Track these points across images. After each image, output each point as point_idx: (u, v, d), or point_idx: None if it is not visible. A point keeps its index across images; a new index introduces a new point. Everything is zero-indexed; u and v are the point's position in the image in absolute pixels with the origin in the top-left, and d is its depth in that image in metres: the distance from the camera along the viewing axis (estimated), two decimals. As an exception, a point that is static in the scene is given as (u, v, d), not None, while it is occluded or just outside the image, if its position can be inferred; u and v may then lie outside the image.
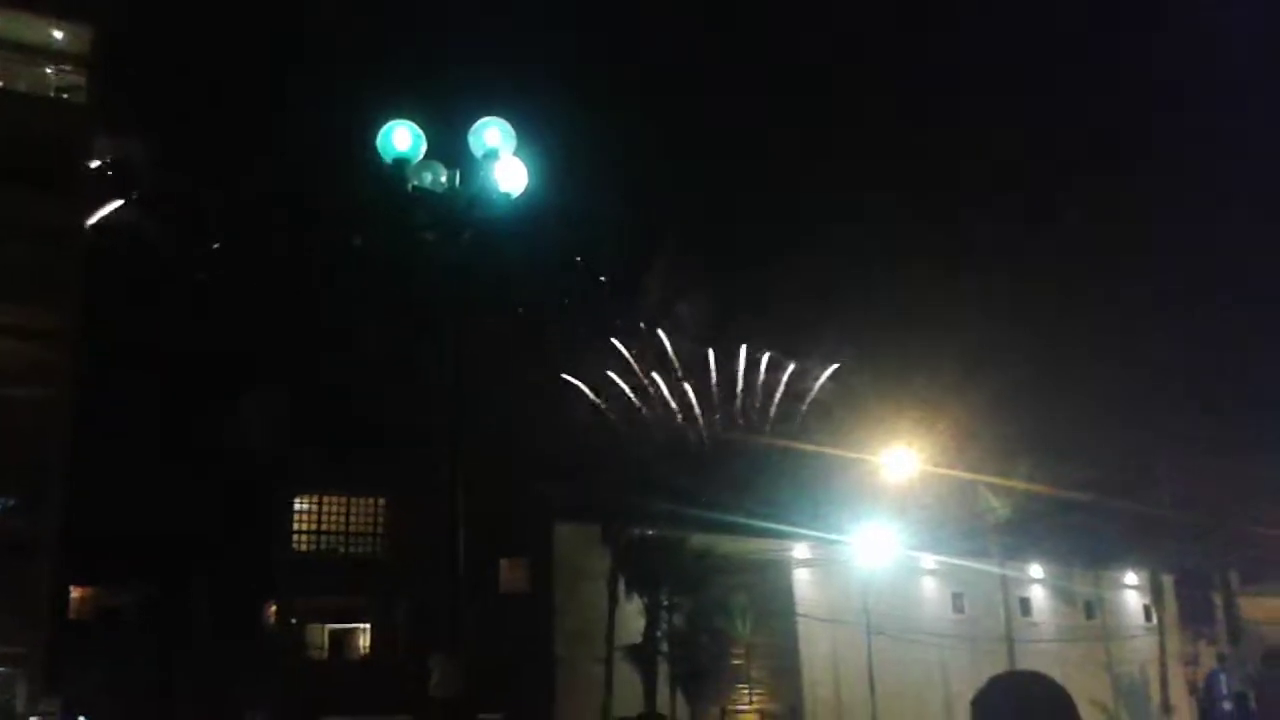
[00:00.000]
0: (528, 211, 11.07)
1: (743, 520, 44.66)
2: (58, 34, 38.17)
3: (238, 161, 45.39)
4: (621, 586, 42.19)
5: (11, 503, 34.42)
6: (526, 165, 10.57)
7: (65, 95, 38.15)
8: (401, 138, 10.38)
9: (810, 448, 52.62)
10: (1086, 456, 48.49)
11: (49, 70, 38.35)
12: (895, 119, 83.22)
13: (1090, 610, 57.20)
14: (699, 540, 42.92)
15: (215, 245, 42.52)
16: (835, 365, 56.17)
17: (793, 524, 46.74)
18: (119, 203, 41.97)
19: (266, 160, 45.58)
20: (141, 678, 33.47)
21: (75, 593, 37.11)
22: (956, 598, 52.92)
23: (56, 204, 35.51)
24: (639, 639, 41.48)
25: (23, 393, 34.80)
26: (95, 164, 39.01)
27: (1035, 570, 55.66)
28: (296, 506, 40.94)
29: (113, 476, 34.86)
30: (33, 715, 31.90)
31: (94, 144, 38.37)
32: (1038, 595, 56.06)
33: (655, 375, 47.43)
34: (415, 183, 10.42)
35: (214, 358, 39.64)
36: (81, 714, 31.58)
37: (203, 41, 45.92)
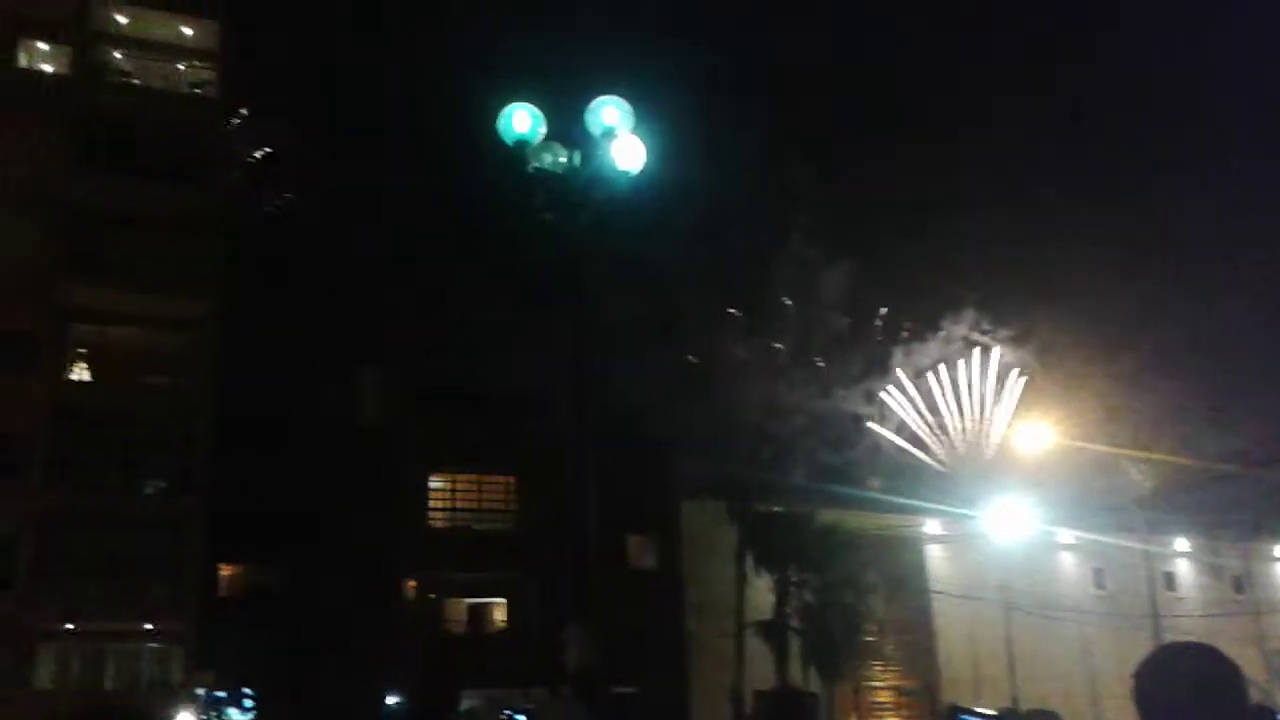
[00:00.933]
0: (651, 189, 11.03)
1: (874, 495, 44.09)
2: (188, 30, 39.54)
3: (361, 144, 46.48)
4: (750, 563, 42.11)
5: (162, 485, 36.02)
6: (646, 143, 10.52)
7: (198, 90, 39.55)
8: (521, 120, 10.43)
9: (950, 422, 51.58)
10: (1235, 426, 46.48)
11: (181, 66, 39.79)
12: (1029, 112, 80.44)
13: (1240, 585, 54.92)
14: (827, 516, 42.54)
15: (346, 224, 43.66)
16: (986, 334, 54.28)
17: (925, 499, 45.97)
18: (260, 192, 43.45)
19: (389, 141, 46.61)
20: (287, 651, 34.74)
21: (224, 570, 38.71)
22: (1098, 573, 51.39)
23: (195, 196, 36.91)
24: (769, 615, 41.38)
25: (168, 379, 36.40)
26: (231, 155, 40.33)
27: (1180, 544, 53.67)
28: (431, 484, 41.98)
29: (257, 456, 36.21)
30: (188, 689, 33.42)
31: (228, 135, 39.68)
32: (1183, 569, 54.06)
33: (789, 349, 46.96)
34: (535, 164, 10.48)
35: (350, 338, 40.80)
36: (234, 688, 32.90)
37: (323, 29, 47.05)
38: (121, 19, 38.59)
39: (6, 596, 32.32)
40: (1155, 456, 47.42)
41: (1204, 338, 54.79)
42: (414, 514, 40.73)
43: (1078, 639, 47.08)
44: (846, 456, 45.78)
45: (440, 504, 42.13)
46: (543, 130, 10.48)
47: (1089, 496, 48.48)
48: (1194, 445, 46.68)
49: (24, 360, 34.06)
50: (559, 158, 10.53)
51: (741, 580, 41.79)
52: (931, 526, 47.88)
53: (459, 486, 42.46)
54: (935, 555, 48.03)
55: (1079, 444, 46.95)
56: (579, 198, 10.47)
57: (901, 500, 45.08)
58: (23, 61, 37.48)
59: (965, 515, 46.28)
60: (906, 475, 47.44)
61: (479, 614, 42.69)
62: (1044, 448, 46.90)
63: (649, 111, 10.71)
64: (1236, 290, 58.25)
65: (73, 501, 33.20)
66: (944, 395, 53.02)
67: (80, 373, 36.28)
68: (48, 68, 37.98)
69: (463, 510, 42.41)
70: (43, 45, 37.78)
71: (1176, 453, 46.84)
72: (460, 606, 42.49)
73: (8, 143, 34.95)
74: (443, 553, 40.43)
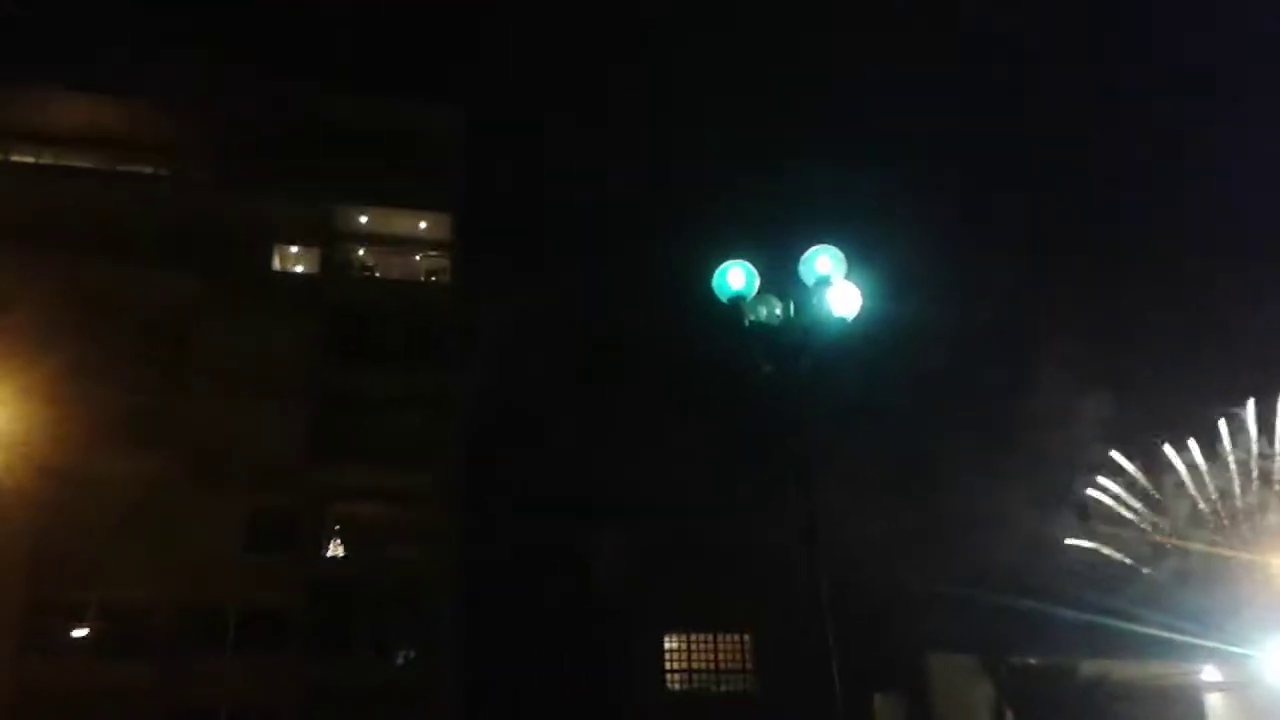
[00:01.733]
0: (872, 331, 10.96)
1: (1140, 635, 40.76)
2: (422, 224, 42.57)
3: (586, 310, 48.30)
4: (1009, 721, 39.42)
5: (411, 654, 37.03)
6: (861, 287, 10.52)
7: (434, 278, 42.27)
8: (736, 277, 10.66)
9: (1224, 551, 47.60)
10: None
11: (417, 257, 42.78)
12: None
13: None
14: (1091, 666, 39.54)
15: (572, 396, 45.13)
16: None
17: (1201, 639, 42.14)
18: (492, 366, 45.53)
19: (609, 304, 48.19)
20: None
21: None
22: None
23: (432, 375, 39.06)
24: (1035, 779, 38.40)
25: (412, 552, 37.83)
26: (466, 334, 42.49)
27: None
28: (666, 645, 41.66)
29: (500, 624, 36.97)
30: None
31: (461, 318, 41.96)
32: None
33: (1044, 487, 44.70)
34: (752, 317, 10.62)
35: (579, 500, 41.56)
36: None
37: (543, 207, 49.67)
38: (362, 219, 41.96)
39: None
40: None
41: None
42: (651, 677, 40.41)
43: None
44: (1110, 595, 42.68)
45: (677, 665, 41.67)
46: (757, 284, 10.65)
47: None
48: None
49: (285, 538, 36.25)
50: (774, 309, 10.64)
51: (1001, 740, 39.13)
52: (1209, 673, 43.68)
53: (694, 646, 41.95)
54: (1216, 705, 43.67)
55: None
56: (796, 348, 10.50)
57: (1173, 637, 41.37)
58: (277, 264, 41.18)
59: (1245, 655, 42.07)
60: (1177, 611, 43.68)
61: (723, 782, 41.45)
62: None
63: (868, 255, 10.73)
64: None
65: (330, 676, 34.52)
66: (1221, 522, 49.17)
67: (335, 548, 38.24)
68: (299, 268, 41.57)
69: (700, 671, 41.78)
70: (293, 249, 41.48)
71: None
72: (703, 774, 41.43)
73: (267, 338, 38.08)
74: (682, 716, 39.76)
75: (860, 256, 10.70)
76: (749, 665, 41.55)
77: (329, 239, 41.30)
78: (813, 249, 10.48)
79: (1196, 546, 48.09)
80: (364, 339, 39.27)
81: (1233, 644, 42.26)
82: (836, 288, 10.41)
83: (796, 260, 10.52)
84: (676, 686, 41.19)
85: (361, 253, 42.40)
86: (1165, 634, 40.81)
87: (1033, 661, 39.76)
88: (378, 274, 42.18)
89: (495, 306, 46.23)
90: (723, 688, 41.28)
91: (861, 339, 10.94)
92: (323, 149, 40.01)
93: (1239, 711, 43.18)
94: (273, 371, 37.27)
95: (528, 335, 47.36)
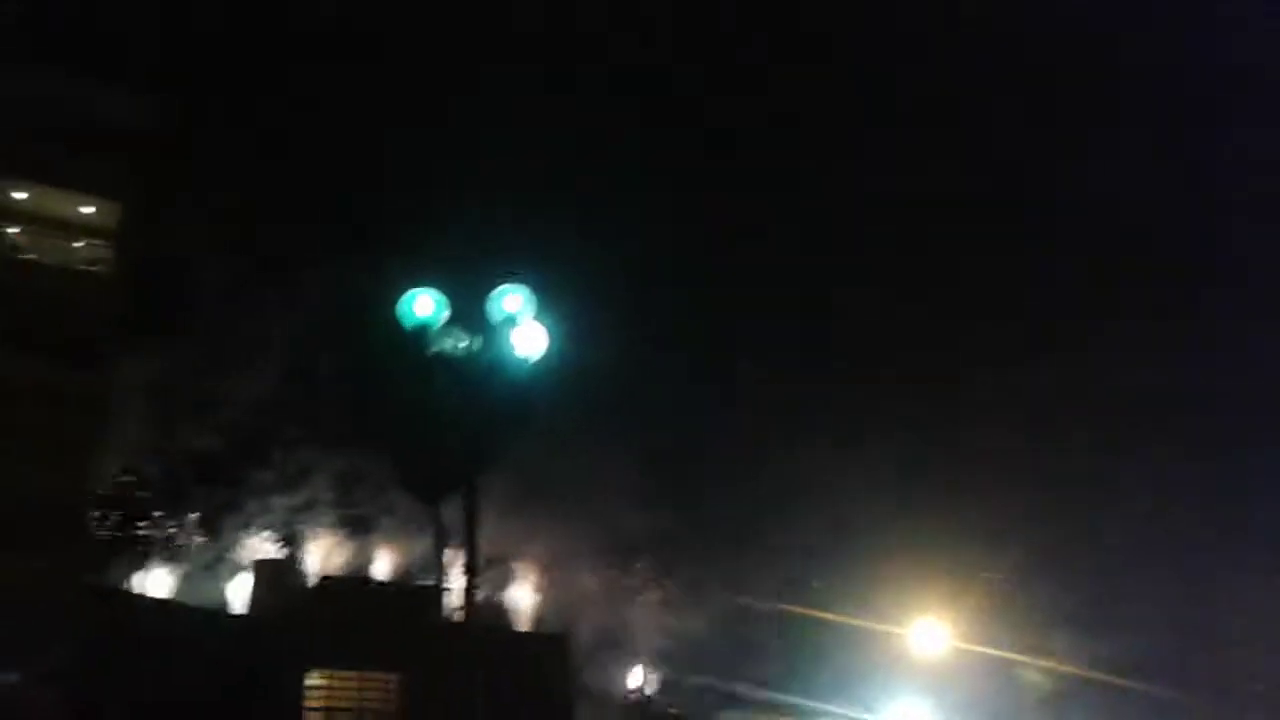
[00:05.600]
0: (559, 372, 10.89)
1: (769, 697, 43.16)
2: (87, 209, 39.20)
3: (263, 330, 46.23)
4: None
5: (15, 678, 33.52)
6: (548, 329, 10.48)
7: (94, 268, 38.96)
8: (424, 304, 10.35)
9: (835, 617, 51.12)
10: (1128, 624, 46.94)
11: (78, 244, 39.26)
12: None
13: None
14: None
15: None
16: None
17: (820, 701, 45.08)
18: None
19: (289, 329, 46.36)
20: None
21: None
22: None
23: (82, 370, 36.12)
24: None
25: (39, 563, 34.47)
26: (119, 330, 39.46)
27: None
28: (309, 683, 39.84)
29: (133, 649, 34.29)
30: None
31: (118, 313, 38.95)
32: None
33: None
34: (436, 348, 10.36)
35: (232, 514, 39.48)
36: None
37: (225, 210, 46.99)
38: (20, 195, 38.24)
39: None
40: (1048, 664, 47.40)
41: (1089, 535, 55.25)
42: (291, 715, 38.50)
43: None
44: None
45: (319, 704, 39.86)
46: (445, 314, 10.40)
47: (987, 698, 48.02)
48: (1085, 648, 46.88)
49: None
50: (459, 343, 10.43)
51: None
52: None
53: (338, 684, 40.34)
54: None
55: (972, 647, 46.79)
56: (477, 385, 10.32)
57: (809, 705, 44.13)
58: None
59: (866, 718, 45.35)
60: (810, 681, 46.62)
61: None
62: (938, 649, 46.63)
63: (558, 296, 10.71)
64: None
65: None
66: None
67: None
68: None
69: (343, 710, 40.20)
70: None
71: (1070, 655, 46.93)
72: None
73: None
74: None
75: (555, 297, 10.68)
76: (398, 705, 40.38)
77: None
78: (502, 286, 10.37)
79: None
80: (13, 324, 35.92)
81: (856, 709, 45.48)
82: (523, 328, 10.34)
83: (489, 295, 10.39)
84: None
85: (15, 232, 38.64)
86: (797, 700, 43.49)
87: (674, 712, 41.17)
88: (34, 257, 38.55)
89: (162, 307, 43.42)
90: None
91: (552, 378, 10.86)
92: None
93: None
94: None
95: (198, 345, 44.68)
